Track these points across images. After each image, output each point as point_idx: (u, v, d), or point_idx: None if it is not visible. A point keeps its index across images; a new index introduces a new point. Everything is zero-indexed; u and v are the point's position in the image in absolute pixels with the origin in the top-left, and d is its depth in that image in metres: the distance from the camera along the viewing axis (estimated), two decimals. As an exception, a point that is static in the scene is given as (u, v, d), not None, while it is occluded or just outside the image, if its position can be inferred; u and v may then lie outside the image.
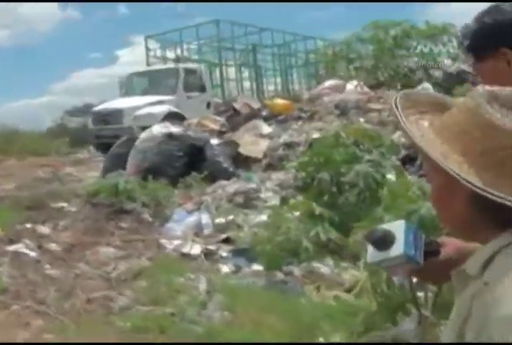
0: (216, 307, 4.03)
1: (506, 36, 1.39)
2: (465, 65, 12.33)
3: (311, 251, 4.81)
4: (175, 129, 9.46)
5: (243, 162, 9.39)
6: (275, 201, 7.80)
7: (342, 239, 5.21)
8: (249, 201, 7.67)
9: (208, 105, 15.48)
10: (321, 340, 3.22)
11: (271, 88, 20.87)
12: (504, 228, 0.91)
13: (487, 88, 0.92)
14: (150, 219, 7.28)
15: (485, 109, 0.88)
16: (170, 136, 8.95)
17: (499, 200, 0.85)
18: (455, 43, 12.54)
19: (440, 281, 1.18)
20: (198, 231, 6.93)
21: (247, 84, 20.15)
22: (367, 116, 9.26)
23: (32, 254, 5.56)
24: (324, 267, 4.78)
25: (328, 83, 11.42)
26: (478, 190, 0.85)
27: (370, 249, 1.19)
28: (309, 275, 4.66)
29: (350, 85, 11.44)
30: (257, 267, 5.02)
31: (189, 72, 15.32)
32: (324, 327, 3.40)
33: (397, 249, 1.15)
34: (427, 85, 9.11)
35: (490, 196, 0.85)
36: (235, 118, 10.85)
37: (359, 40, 13.63)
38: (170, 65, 16.06)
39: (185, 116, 13.53)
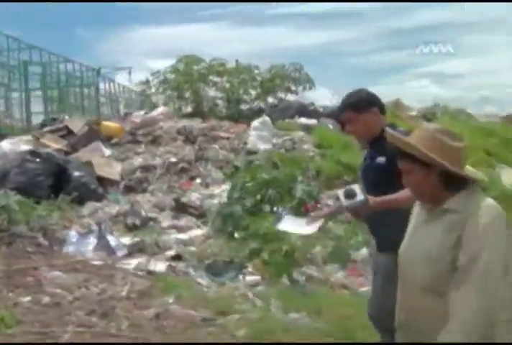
0: (278, 310, 4.35)
1: (375, 102, 2.84)
2: (263, 103, 14.10)
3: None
4: (27, 147, 8.60)
5: (99, 183, 9.06)
6: (167, 222, 7.94)
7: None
8: (144, 222, 7.64)
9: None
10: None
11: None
12: (457, 191, 1.82)
13: (432, 125, 1.93)
14: (47, 243, 6.74)
15: (439, 135, 1.82)
16: (33, 153, 8.15)
17: (461, 174, 1.80)
18: (258, 83, 14.20)
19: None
20: (108, 252, 6.71)
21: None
22: (219, 143, 9.92)
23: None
24: (314, 271, 5.40)
25: (161, 109, 11.69)
26: (450, 169, 1.78)
27: (343, 199, 2.38)
28: (309, 279, 5.23)
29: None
30: (250, 277, 5.34)
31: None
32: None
33: (359, 197, 2.36)
34: (267, 118, 10.27)
35: (455, 172, 1.79)
36: (71, 139, 10.28)
37: (173, 71, 14.20)
38: None
39: None
